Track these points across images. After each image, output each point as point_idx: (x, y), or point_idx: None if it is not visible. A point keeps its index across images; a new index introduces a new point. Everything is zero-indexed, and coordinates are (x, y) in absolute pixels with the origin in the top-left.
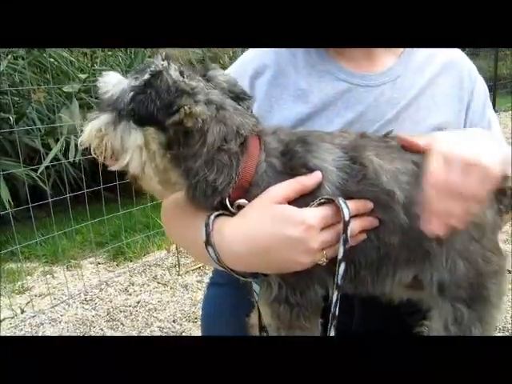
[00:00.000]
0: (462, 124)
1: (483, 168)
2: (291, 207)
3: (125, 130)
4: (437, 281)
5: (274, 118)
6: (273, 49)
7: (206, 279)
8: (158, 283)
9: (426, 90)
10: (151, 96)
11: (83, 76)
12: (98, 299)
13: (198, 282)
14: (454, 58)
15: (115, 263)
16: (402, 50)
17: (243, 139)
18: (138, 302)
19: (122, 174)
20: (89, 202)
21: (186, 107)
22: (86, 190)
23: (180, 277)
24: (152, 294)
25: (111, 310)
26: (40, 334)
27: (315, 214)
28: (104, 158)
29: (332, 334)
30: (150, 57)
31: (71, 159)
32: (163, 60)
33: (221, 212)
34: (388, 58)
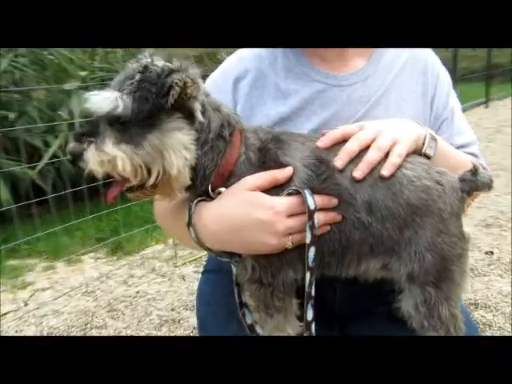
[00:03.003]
0: (427, 116)
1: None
2: (262, 194)
3: (160, 138)
4: (406, 271)
5: (257, 117)
6: (255, 54)
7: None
8: (157, 274)
9: (393, 87)
10: (146, 87)
11: (83, 74)
12: (98, 291)
13: (194, 272)
14: (416, 54)
15: (115, 257)
16: (372, 51)
17: (232, 129)
18: (138, 293)
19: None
20: (87, 199)
21: (176, 80)
22: (85, 186)
23: (177, 268)
24: (150, 284)
25: (112, 300)
26: (44, 325)
27: (283, 202)
28: (141, 180)
29: (309, 313)
30: None
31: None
32: (146, 58)
33: (202, 198)
34: (359, 60)
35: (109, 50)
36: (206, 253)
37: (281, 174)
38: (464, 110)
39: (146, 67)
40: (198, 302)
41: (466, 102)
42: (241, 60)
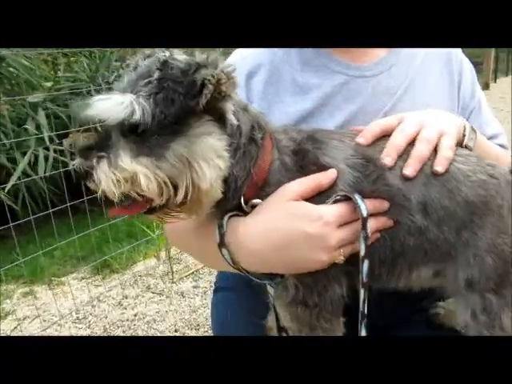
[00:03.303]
0: (455, 107)
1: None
2: (308, 204)
3: (186, 145)
4: (463, 277)
5: (275, 115)
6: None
7: (202, 284)
8: (153, 293)
9: (417, 78)
10: (170, 87)
11: (48, 84)
12: (91, 316)
13: (193, 287)
14: None
15: (101, 276)
16: None
17: (263, 132)
18: (135, 315)
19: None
20: (60, 217)
21: (209, 77)
22: (68, 204)
23: (174, 284)
24: (148, 305)
25: (107, 326)
26: None
27: (332, 211)
28: (167, 198)
29: (363, 333)
30: (116, 61)
31: (42, 174)
32: (163, 52)
33: (234, 213)
34: (380, 49)
35: (72, 58)
36: (202, 265)
37: (324, 178)
38: None
39: (165, 63)
40: (214, 324)
41: None
42: (251, 54)
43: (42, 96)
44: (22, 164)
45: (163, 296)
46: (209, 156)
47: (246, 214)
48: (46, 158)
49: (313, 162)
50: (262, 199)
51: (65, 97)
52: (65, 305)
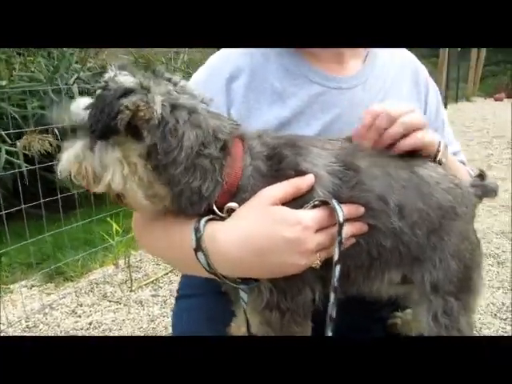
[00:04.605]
0: None
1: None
2: (287, 208)
3: (102, 149)
4: (429, 280)
5: (254, 122)
6: (245, 51)
7: (162, 293)
8: (110, 301)
9: (391, 92)
10: (99, 107)
11: (3, 83)
12: (42, 325)
13: (152, 296)
14: (406, 60)
15: (53, 284)
16: (365, 54)
17: (222, 143)
18: (90, 324)
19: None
20: (8, 221)
21: (126, 104)
22: (23, 206)
23: (133, 293)
24: (104, 313)
25: (60, 335)
26: None
27: (311, 215)
28: (87, 182)
29: (329, 334)
30: (77, 62)
31: None
32: (112, 71)
33: (211, 217)
34: (355, 62)
35: (30, 57)
36: (162, 274)
37: (302, 183)
38: None
39: (106, 83)
40: (175, 333)
41: None
42: (230, 57)
43: None
44: None
45: (121, 304)
46: (114, 164)
47: (222, 218)
48: None
49: (291, 167)
50: (239, 205)
51: (19, 96)
52: (13, 312)
